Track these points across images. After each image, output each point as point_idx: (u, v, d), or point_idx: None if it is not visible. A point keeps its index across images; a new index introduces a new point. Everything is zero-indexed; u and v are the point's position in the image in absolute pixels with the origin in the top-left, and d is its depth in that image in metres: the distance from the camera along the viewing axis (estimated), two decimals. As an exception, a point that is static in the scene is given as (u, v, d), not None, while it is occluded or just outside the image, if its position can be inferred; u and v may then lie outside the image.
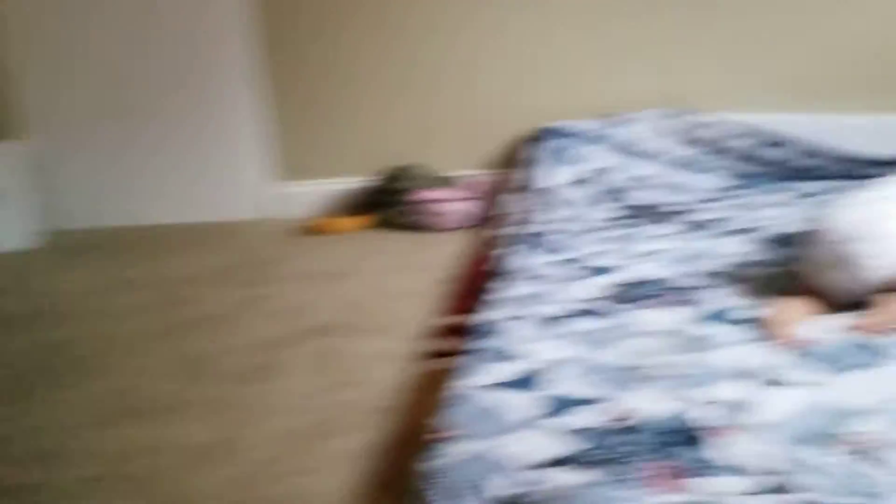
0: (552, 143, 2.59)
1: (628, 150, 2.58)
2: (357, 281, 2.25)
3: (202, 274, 2.39)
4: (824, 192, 2.35)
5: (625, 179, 2.50)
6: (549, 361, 1.42)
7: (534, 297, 1.75)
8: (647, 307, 1.63)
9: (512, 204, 2.49)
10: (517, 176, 2.60)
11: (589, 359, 1.42)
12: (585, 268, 1.90)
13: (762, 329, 1.46)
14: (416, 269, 2.30)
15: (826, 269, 1.49)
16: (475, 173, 2.82)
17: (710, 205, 2.34)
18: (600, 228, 2.21)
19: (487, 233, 2.36)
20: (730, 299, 1.64)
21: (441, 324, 1.86)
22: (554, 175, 2.52)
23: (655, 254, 1.95)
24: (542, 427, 1.22)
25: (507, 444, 1.18)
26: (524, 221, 2.32)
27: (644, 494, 1.03)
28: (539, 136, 2.63)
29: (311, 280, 2.28)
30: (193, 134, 2.87)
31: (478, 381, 1.38)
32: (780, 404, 1.20)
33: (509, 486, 1.09)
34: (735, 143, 2.53)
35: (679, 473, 1.08)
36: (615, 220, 2.28)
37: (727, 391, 1.26)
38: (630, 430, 1.19)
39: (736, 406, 1.20)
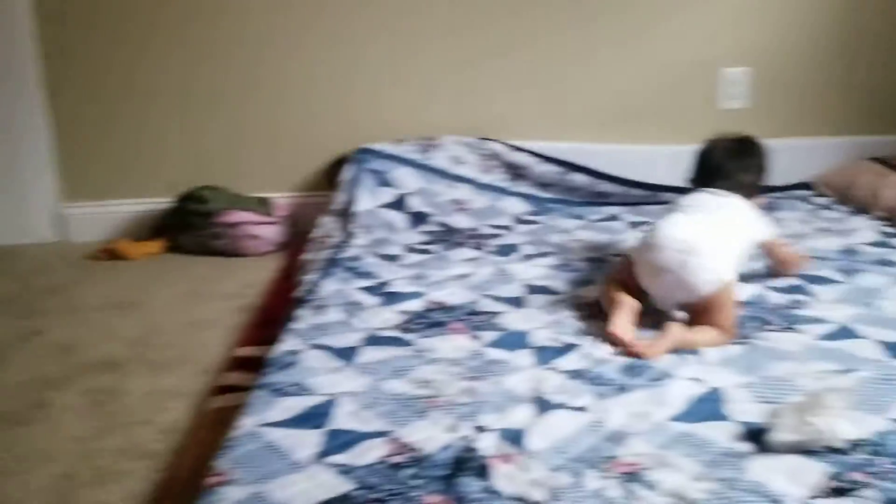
0: (367, 166, 2.57)
1: (440, 174, 2.60)
2: (149, 311, 2.11)
3: (-28, 305, 2.15)
4: (618, 216, 2.50)
5: (436, 203, 2.52)
6: (338, 395, 1.38)
7: (335, 326, 1.70)
8: (444, 334, 1.63)
9: (324, 227, 2.44)
10: (331, 198, 2.55)
11: (380, 390, 1.39)
12: (391, 294, 1.88)
13: (601, 338, 1.55)
14: (216, 297, 2.18)
15: (660, 273, 1.61)
16: (287, 195, 2.74)
17: (517, 228, 2.41)
18: (410, 252, 2.21)
19: (297, 257, 2.29)
20: (526, 324, 1.67)
21: (235, 356, 1.77)
22: (368, 198, 2.49)
23: (460, 279, 1.96)
24: (326, 465, 1.17)
25: (287, 485, 1.13)
26: (335, 245, 2.27)
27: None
28: (354, 159, 2.60)
29: (97, 310, 2.11)
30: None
31: (264, 419, 1.31)
32: (559, 429, 1.23)
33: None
34: (538, 170, 2.62)
35: (461, 506, 1.07)
36: (425, 244, 2.28)
37: (512, 418, 1.27)
38: (415, 462, 1.17)
39: (518, 433, 1.22)
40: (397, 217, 2.45)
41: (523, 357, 1.52)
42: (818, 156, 2.70)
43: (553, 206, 2.61)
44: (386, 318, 1.74)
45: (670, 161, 2.70)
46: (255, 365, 1.60)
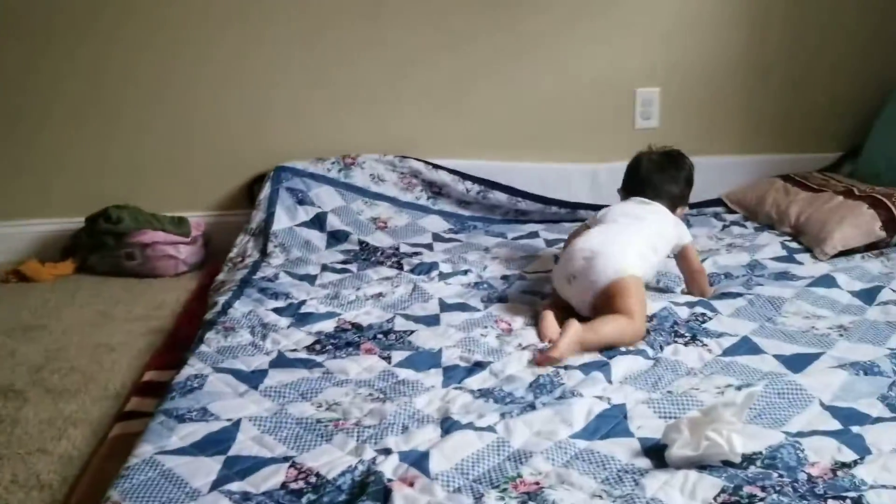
0: (285, 184, 2.54)
1: (359, 192, 2.59)
2: (55, 334, 2.03)
3: None
4: (537, 233, 2.53)
5: (355, 222, 2.50)
6: (242, 420, 1.34)
7: (243, 349, 1.66)
8: (355, 355, 1.62)
9: (240, 247, 2.39)
10: (248, 217, 2.51)
11: (285, 414, 1.37)
12: (304, 314, 1.85)
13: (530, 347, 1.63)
14: (126, 320, 2.12)
15: (570, 280, 1.76)
16: (203, 214, 2.69)
17: (436, 246, 2.41)
18: (327, 272, 2.18)
19: (212, 278, 2.24)
20: (438, 342, 1.67)
21: (141, 381, 1.72)
22: (286, 216, 2.46)
23: (376, 298, 1.95)
24: (224, 493, 1.14)
25: (182, 516, 1.09)
26: (251, 265, 2.23)
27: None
28: (272, 177, 2.56)
29: (0, 335, 2.02)
30: None
31: (163, 446, 1.27)
32: (464, 449, 1.22)
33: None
34: (458, 188, 2.63)
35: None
36: (343, 263, 2.26)
37: (417, 440, 1.26)
38: (315, 488, 1.15)
39: (423, 455, 1.21)
40: (316, 236, 2.42)
41: (433, 377, 1.51)
42: (729, 174, 2.79)
43: (473, 224, 2.62)
44: (297, 339, 1.71)
45: (588, 179, 2.78)
46: (161, 390, 1.55)
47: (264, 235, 2.39)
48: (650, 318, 1.78)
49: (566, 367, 1.54)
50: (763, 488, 1.12)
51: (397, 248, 2.37)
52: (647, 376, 1.50)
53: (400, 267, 2.20)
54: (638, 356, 1.58)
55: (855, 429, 1.26)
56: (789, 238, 2.37)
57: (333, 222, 2.47)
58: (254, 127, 2.66)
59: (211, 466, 1.21)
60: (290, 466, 1.20)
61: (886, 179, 2.51)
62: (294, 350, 1.66)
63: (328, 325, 1.79)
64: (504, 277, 2.09)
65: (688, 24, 2.75)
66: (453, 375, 1.52)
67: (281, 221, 2.43)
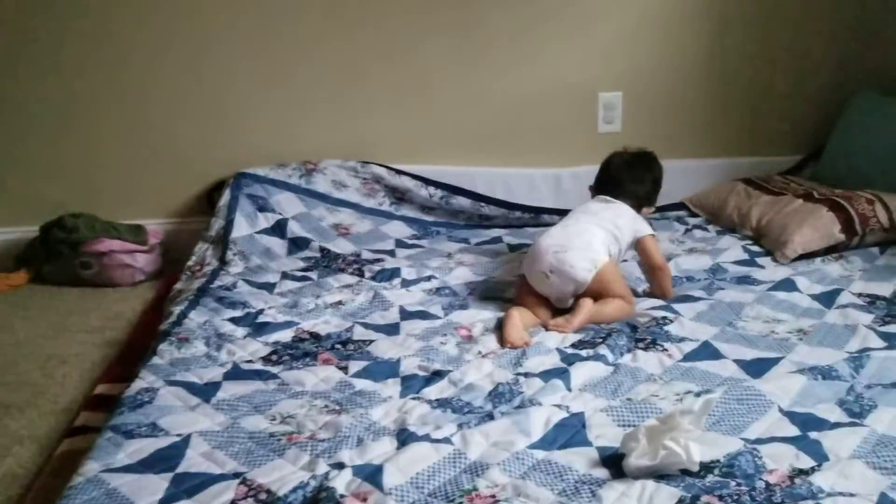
0: (245, 191, 2.49)
1: (321, 199, 2.55)
2: (5, 347, 1.97)
3: None
4: (500, 239, 2.51)
5: (316, 228, 2.46)
6: (192, 435, 1.30)
7: (197, 360, 1.62)
8: (311, 365, 1.59)
9: (198, 255, 2.34)
10: (208, 225, 2.46)
11: (237, 428, 1.33)
12: (261, 324, 1.81)
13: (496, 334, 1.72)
14: (80, 331, 2.06)
15: (546, 276, 1.83)
16: (162, 222, 2.64)
17: (399, 252, 2.38)
18: (287, 279, 2.14)
19: (170, 287, 2.20)
20: (397, 352, 1.64)
21: (92, 395, 1.67)
22: (246, 223, 2.41)
23: (335, 307, 1.92)
24: (170, 512, 1.11)
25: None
26: (209, 274, 2.18)
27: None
28: (232, 184, 2.51)
29: (-56, 349, 1.96)
30: None
31: (109, 463, 1.23)
32: (419, 462, 1.20)
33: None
34: (421, 193, 2.60)
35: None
36: (303, 271, 2.22)
37: (372, 453, 1.23)
38: (266, 506, 1.11)
39: (377, 469, 1.18)
40: (276, 243, 2.38)
41: (391, 387, 1.49)
42: (691, 177, 2.79)
43: (437, 230, 2.59)
44: (253, 350, 1.67)
45: (552, 183, 2.77)
46: (112, 404, 1.50)
47: (223, 243, 2.34)
48: (609, 323, 1.78)
49: (526, 375, 1.52)
50: (721, 497, 1.11)
51: (359, 255, 2.34)
52: (607, 383, 1.48)
53: (361, 274, 2.17)
54: (598, 362, 1.56)
55: (813, 435, 1.26)
56: (751, 241, 2.38)
57: (294, 229, 2.43)
58: (213, 132, 2.61)
59: (158, 484, 1.17)
60: (241, 483, 1.16)
61: (848, 182, 2.53)
62: (249, 361, 1.62)
63: (286, 335, 1.75)
64: (467, 283, 2.07)
65: (650, 28, 2.75)
66: (411, 385, 1.49)
67: (241, 228, 2.39)
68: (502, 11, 2.65)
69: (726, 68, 2.83)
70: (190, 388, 1.49)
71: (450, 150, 2.71)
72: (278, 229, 2.42)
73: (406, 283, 2.07)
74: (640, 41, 2.76)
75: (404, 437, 1.27)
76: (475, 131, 2.72)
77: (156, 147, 2.60)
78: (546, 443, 1.26)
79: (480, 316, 1.83)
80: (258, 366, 1.59)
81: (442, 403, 1.41)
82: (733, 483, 1.14)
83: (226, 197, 2.48)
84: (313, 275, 2.18)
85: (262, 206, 2.47)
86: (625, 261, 2.07)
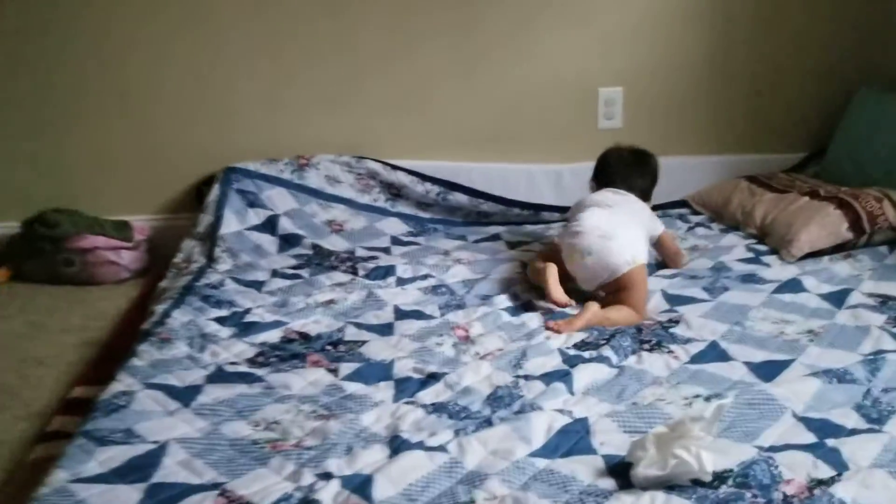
0: (235, 186, 2.41)
1: (314, 194, 2.47)
2: (-21, 347, 1.89)
3: None
4: (499, 236, 2.43)
5: (309, 225, 2.38)
6: (170, 442, 1.23)
7: (179, 362, 1.54)
8: (299, 368, 1.51)
9: (185, 252, 2.26)
10: (196, 221, 2.38)
11: (218, 435, 1.25)
12: (248, 324, 1.73)
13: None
14: (58, 331, 1.98)
15: (584, 256, 1.82)
16: (149, 218, 2.55)
17: (394, 250, 2.30)
18: (276, 278, 2.06)
19: (155, 285, 2.11)
20: (391, 353, 1.57)
21: (68, 398, 1.59)
22: (235, 220, 2.33)
23: (327, 306, 1.84)
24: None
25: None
26: (195, 272, 2.10)
27: None
28: (221, 178, 2.43)
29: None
30: None
31: (79, 472, 1.15)
32: (412, 472, 1.12)
33: None
34: (417, 189, 2.52)
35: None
36: (294, 269, 2.14)
37: (362, 462, 1.16)
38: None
39: (367, 480, 1.10)
40: (267, 240, 2.30)
41: (383, 391, 1.41)
42: (693, 174, 2.71)
43: (433, 227, 2.52)
44: (238, 351, 1.59)
45: (552, 180, 2.69)
46: (89, 408, 1.42)
47: (211, 240, 2.26)
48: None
49: (526, 378, 1.44)
50: (736, 509, 1.03)
51: (353, 253, 2.26)
52: (611, 386, 1.41)
53: (355, 272, 2.09)
54: (601, 364, 1.49)
55: (830, 442, 1.18)
56: (755, 240, 2.31)
57: (286, 225, 2.35)
58: (203, 126, 2.53)
59: (129, 496, 1.09)
60: (220, 494, 1.09)
61: (853, 180, 2.46)
62: (234, 363, 1.54)
63: (273, 336, 1.67)
64: (465, 282, 1.99)
65: (651, 24, 2.67)
66: (405, 388, 1.42)
67: (230, 225, 2.31)
68: (501, 6, 2.57)
69: (728, 65, 2.75)
70: (170, 391, 1.40)
71: (447, 146, 2.63)
72: (269, 226, 2.34)
73: (401, 282, 2.00)
74: (641, 36, 2.68)
75: (397, 445, 1.19)
76: (473, 127, 2.64)
77: (143, 141, 2.52)
78: (548, 450, 1.18)
79: (478, 315, 1.76)
80: (243, 368, 1.52)
81: (437, 408, 1.33)
82: (749, 494, 1.06)
83: (215, 192, 2.40)
84: (305, 273, 2.10)
85: (253, 202, 2.39)
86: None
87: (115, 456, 1.19)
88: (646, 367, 1.49)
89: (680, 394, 1.37)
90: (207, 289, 1.95)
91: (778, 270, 2.03)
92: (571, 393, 1.38)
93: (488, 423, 1.26)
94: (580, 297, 1.82)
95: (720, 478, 1.10)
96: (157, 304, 1.88)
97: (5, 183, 2.47)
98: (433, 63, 2.58)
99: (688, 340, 1.61)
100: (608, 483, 1.11)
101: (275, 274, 2.09)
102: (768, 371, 1.45)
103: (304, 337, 1.67)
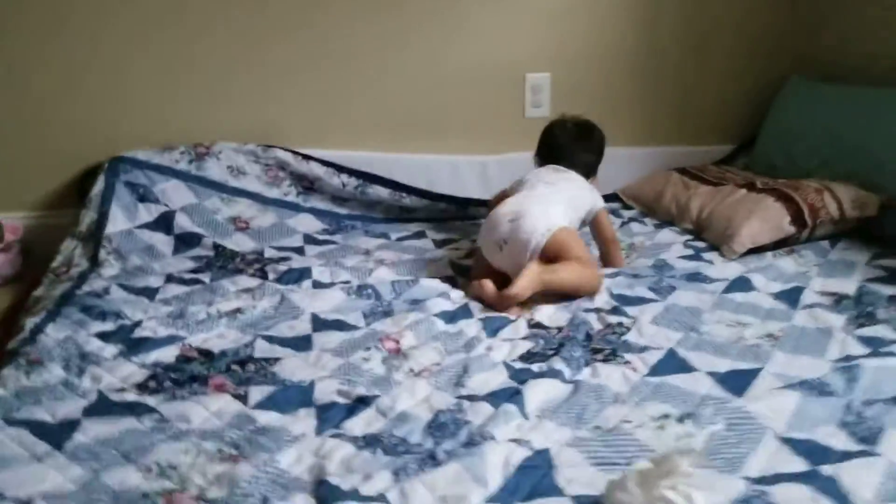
0: (123, 178, 2.12)
1: (215, 187, 2.20)
2: None
3: None
4: (424, 233, 2.24)
5: (210, 222, 2.12)
6: (34, 497, 0.97)
7: (52, 390, 1.27)
8: (201, 394, 1.26)
9: (65, 254, 1.96)
10: (78, 218, 2.07)
11: (99, 486, 1.00)
12: (137, 340, 1.47)
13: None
14: None
15: (501, 245, 1.74)
16: (22, 216, 2.22)
17: (308, 249, 2.07)
18: (172, 283, 1.79)
19: (29, 294, 1.81)
20: (311, 372, 1.34)
21: None
22: (123, 217, 2.04)
23: (232, 316, 1.59)
24: None
25: None
26: (76, 277, 1.81)
27: None
28: (107, 170, 2.13)
29: None
30: None
31: None
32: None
33: None
34: (333, 182, 2.29)
35: None
36: (193, 272, 1.88)
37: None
38: None
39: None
40: (161, 239, 2.02)
41: (303, 420, 1.19)
42: (622, 167, 2.58)
43: (351, 223, 2.29)
44: (125, 374, 1.34)
45: (477, 172, 2.51)
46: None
47: (95, 240, 1.96)
48: (559, 330, 1.54)
49: (470, 399, 1.25)
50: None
51: (261, 253, 2.01)
52: (569, 406, 1.23)
53: (264, 275, 1.84)
54: (554, 379, 1.31)
55: (825, 469, 1.04)
56: (692, 236, 2.19)
57: (183, 223, 2.08)
58: (85, 110, 2.21)
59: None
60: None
61: (784, 172, 2.39)
62: (121, 390, 1.28)
63: (168, 354, 1.42)
64: (391, 284, 1.78)
65: (581, 5, 2.53)
66: (329, 417, 1.20)
67: (117, 223, 2.01)
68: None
69: (657, 52, 2.64)
70: (38, 429, 1.14)
71: (365, 135, 2.41)
72: (163, 223, 2.06)
73: (318, 286, 1.77)
74: (568, 18, 2.53)
75: (324, 495, 0.98)
76: (393, 113, 2.43)
77: (14, 127, 2.18)
78: (507, 493, 0.99)
79: (409, 323, 1.55)
80: (131, 396, 1.26)
81: (370, 441, 1.12)
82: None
83: (99, 185, 2.10)
84: (205, 277, 1.84)
85: (144, 196, 2.10)
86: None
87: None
88: (602, 380, 1.32)
89: (646, 413, 1.21)
90: (89, 298, 1.66)
91: (722, 268, 1.91)
92: (525, 416, 1.20)
93: (433, 458, 1.06)
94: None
95: (712, 519, 0.93)
96: (28, 316, 1.58)
97: None
98: (349, 43, 2.35)
99: (643, 349, 1.45)
100: (583, 531, 0.93)
101: (170, 279, 1.81)
102: (736, 382, 1.31)
103: (206, 355, 1.42)
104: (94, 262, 1.89)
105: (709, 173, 2.47)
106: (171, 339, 1.47)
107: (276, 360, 1.39)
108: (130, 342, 1.45)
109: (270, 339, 1.49)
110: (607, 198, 2.50)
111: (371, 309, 1.64)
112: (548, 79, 2.56)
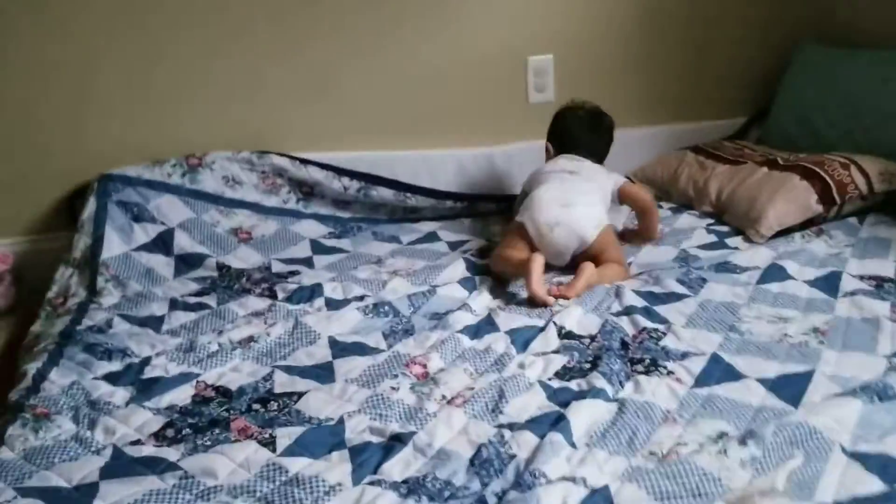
0: (116, 197, 2.01)
1: (210, 200, 2.10)
2: None
3: None
4: (436, 235, 2.15)
5: (211, 237, 2.01)
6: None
7: (63, 448, 1.18)
8: (223, 442, 1.18)
9: (60, 284, 1.86)
10: (71, 243, 1.96)
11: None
12: (148, 381, 1.38)
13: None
14: None
15: (552, 230, 1.78)
16: (11, 241, 2.11)
17: (317, 261, 1.97)
18: (177, 310, 1.70)
19: (27, 328, 1.71)
20: (336, 407, 1.26)
21: None
22: (119, 239, 1.94)
23: (245, 345, 1.50)
24: None
25: None
26: (75, 310, 1.72)
27: None
28: (97, 189, 2.02)
29: None
30: None
31: None
32: None
33: None
34: (334, 186, 2.19)
35: None
36: (198, 295, 1.78)
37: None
38: None
39: None
40: (160, 262, 1.92)
41: (337, 467, 1.11)
42: (631, 148, 2.48)
43: (357, 226, 2.19)
44: (140, 423, 1.25)
45: (483, 165, 2.41)
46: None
47: (91, 267, 1.86)
48: (592, 339, 1.47)
49: (511, 427, 1.17)
50: None
51: (268, 268, 1.92)
52: (618, 430, 1.15)
53: (273, 294, 1.75)
54: (597, 399, 1.23)
55: (907, 490, 0.97)
56: (712, 219, 2.11)
57: (182, 242, 1.97)
58: (70, 124, 2.08)
59: None
60: None
61: (802, 144, 2.30)
62: (136, 442, 1.19)
63: (183, 395, 1.33)
64: (409, 297, 1.69)
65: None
66: (365, 460, 1.12)
67: (112, 247, 1.91)
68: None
69: (663, 23, 2.53)
70: (54, 498, 1.05)
71: (363, 134, 2.30)
72: (161, 244, 1.96)
73: (332, 305, 1.67)
74: (570, 1, 2.42)
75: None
76: (391, 109, 2.31)
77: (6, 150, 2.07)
78: (572, 544, 0.92)
79: (433, 343, 1.47)
80: (148, 449, 1.17)
81: (413, 488, 1.04)
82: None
83: (90, 207, 1.99)
84: (211, 300, 1.74)
85: (139, 216, 2.00)
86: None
87: None
88: (648, 397, 1.24)
89: (701, 432, 1.13)
90: (91, 334, 1.57)
91: (750, 254, 1.83)
92: (573, 445, 1.12)
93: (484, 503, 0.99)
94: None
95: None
96: (28, 360, 1.49)
97: None
98: (341, 36, 2.22)
99: (684, 355, 1.38)
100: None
101: (174, 305, 1.72)
102: (789, 389, 1.24)
103: (223, 393, 1.33)
104: (92, 291, 1.80)
105: (725, 151, 2.38)
106: (184, 378, 1.38)
107: (299, 394, 1.31)
108: (141, 384, 1.37)
109: (289, 370, 1.40)
110: (618, 182, 2.44)
111: (390, 328, 1.55)
112: (551, 61, 2.45)
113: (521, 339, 1.47)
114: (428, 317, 1.60)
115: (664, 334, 1.46)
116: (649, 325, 1.49)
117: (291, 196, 2.20)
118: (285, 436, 1.18)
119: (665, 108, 2.62)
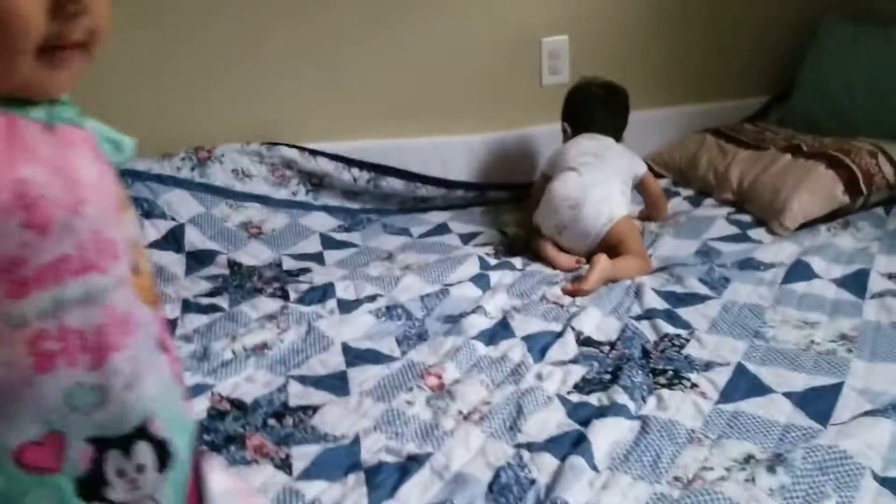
0: (127, 193, 1.94)
1: (220, 194, 2.06)
2: None
3: None
4: (447, 226, 2.11)
5: (221, 231, 1.98)
6: None
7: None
8: (239, 464, 1.16)
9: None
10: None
11: None
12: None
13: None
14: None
15: (562, 230, 1.82)
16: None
17: (328, 256, 1.94)
18: (191, 312, 1.67)
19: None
20: (353, 422, 1.23)
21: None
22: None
23: (258, 352, 1.47)
24: None
25: None
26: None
27: None
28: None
29: None
30: None
31: None
32: None
33: None
34: (343, 177, 2.15)
35: None
36: (210, 296, 1.75)
37: None
38: None
39: None
40: (172, 259, 1.88)
41: (353, 490, 1.08)
42: (648, 130, 2.42)
43: (367, 217, 2.16)
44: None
45: (496, 152, 2.36)
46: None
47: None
48: (612, 346, 1.43)
49: (529, 448, 1.14)
50: None
51: (279, 265, 1.89)
52: (641, 452, 1.12)
53: (285, 295, 1.72)
54: (619, 416, 1.20)
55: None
56: (733, 208, 2.06)
57: (193, 238, 1.94)
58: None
59: None
60: None
61: (826, 127, 2.24)
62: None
63: (198, 408, 1.29)
64: (422, 297, 1.65)
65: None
66: (381, 483, 1.09)
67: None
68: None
69: (679, 3, 2.46)
70: None
71: (372, 123, 2.25)
72: (173, 240, 1.93)
73: (344, 306, 1.64)
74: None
75: None
76: (401, 96, 2.26)
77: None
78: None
79: (447, 350, 1.44)
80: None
81: (433, 515, 1.02)
82: None
83: (99, 203, 1.96)
84: (223, 301, 1.71)
85: (149, 212, 1.96)
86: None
87: None
88: (672, 414, 1.21)
89: (727, 455, 1.10)
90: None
91: (775, 249, 1.79)
92: (595, 469, 1.09)
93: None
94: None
95: None
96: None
97: None
98: (348, 24, 2.16)
99: (707, 365, 1.34)
100: None
101: (187, 307, 1.69)
102: (818, 405, 1.20)
103: (238, 406, 1.31)
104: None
105: (746, 135, 2.32)
106: (199, 389, 1.35)
107: (315, 408, 1.28)
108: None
109: (304, 380, 1.37)
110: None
111: (403, 332, 1.52)
112: (565, 42, 2.38)
113: (538, 345, 1.44)
114: (441, 320, 1.57)
115: (687, 341, 1.42)
116: (671, 330, 1.46)
117: (301, 188, 2.16)
118: (301, 457, 1.16)
119: (684, 87, 2.55)
